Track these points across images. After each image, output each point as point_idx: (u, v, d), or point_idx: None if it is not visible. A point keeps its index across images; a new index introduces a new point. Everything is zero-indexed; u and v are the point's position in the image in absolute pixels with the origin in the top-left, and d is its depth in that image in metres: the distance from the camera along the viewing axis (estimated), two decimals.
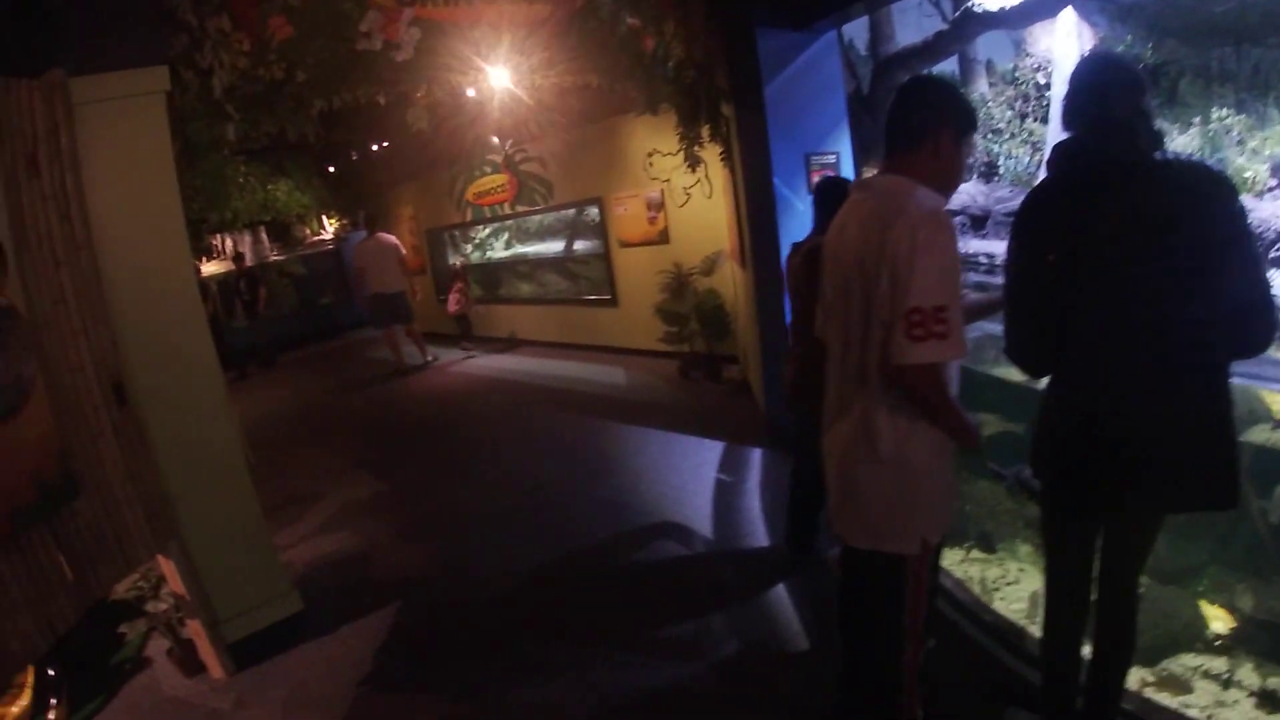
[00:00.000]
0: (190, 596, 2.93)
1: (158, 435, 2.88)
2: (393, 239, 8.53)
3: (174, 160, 2.98)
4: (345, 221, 13.06)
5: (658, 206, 6.56)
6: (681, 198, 6.25)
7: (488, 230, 10.07)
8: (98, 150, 2.70)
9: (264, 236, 13.78)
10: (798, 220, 3.95)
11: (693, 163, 4.94)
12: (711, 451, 4.38)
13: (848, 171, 4.14)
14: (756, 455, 4.24)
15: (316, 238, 14.05)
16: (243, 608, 3.13)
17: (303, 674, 2.94)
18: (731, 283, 5.86)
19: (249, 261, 13.71)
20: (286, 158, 10.74)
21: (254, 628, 3.15)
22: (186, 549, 2.94)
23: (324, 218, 12.78)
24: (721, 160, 4.72)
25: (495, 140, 8.11)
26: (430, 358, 8.82)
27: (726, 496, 3.80)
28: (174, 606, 2.97)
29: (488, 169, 8.57)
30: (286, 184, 10.85)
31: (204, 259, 13.24)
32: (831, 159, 4.10)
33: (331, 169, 11.06)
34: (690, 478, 4.06)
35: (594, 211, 7.67)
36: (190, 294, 3.03)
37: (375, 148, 9.62)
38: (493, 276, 9.89)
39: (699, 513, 3.64)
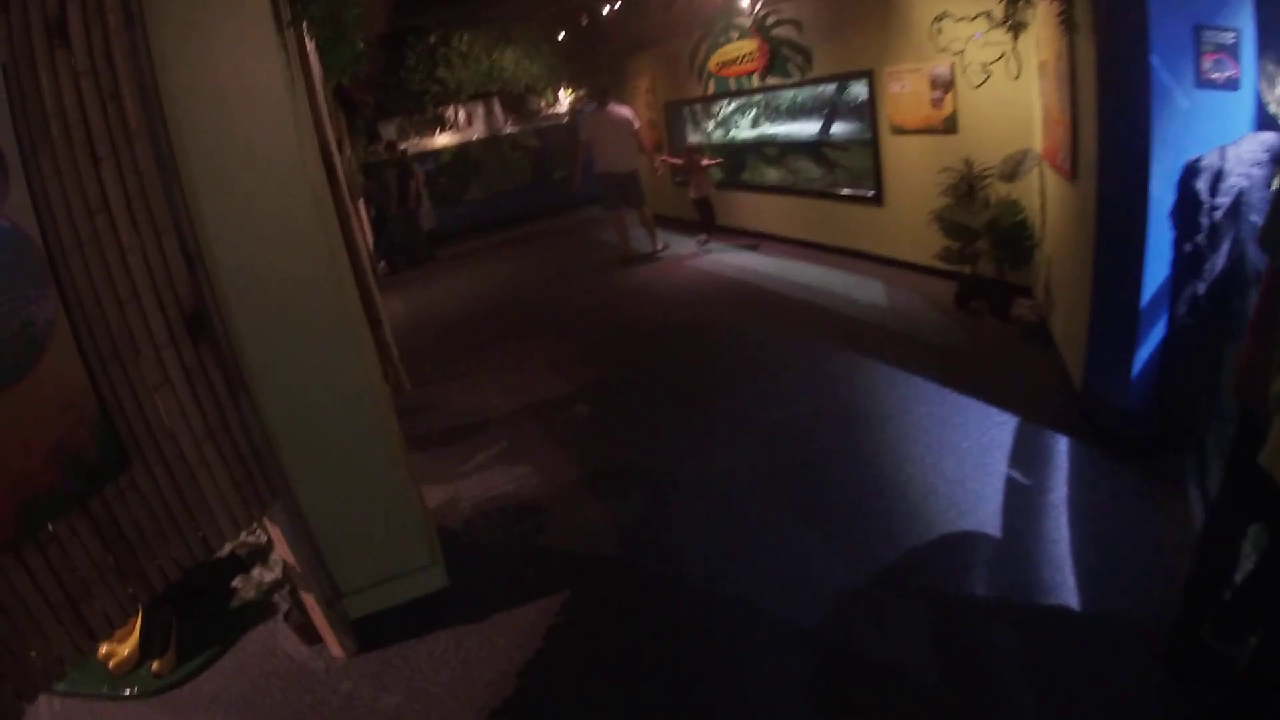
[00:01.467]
0: (301, 568, 2.64)
1: (259, 376, 2.51)
2: (626, 112, 8.17)
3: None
4: (582, 93, 12.91)
5: (945, 85, 5.45)
6: (977, 76, 5.12)
7: (732, 106, 9.36)
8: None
9: (497, 108, 14.09)
10: (1179, 122, 2.93)
11: (1014, 26, 3.91)
12: (1000, 429, 3.57)
13: (1248, 60, 2.98)
14: (1063, 448, 3.32)
15: (551, 110, 14.12)
16: (373, 579, 2.91)
17: (430, 672, 2.65)
18: (1038, 194, 4.78)
19: (482, 134, 14.21)
20: (513, 25, 10.63)
21: (386, 604, 2.93)
22: (299, 512, 2.67)
23: (559, 89, 12.67)
24: (1059, 22, 3.64)
25: (743, 1, 7.29)
26: (660, 246, 8.60)
27: (1022, 511, 2.93)
28: (283, 577, 2.76)
29: (734, 34, 7.77)
30: (513, 53, 10.80)
31: (437, 130, 13.91)
32: (1230, 39, 2.96)
33: (561, 36, 10.80)
34: (971, 468, 3.27)
35: (861, 88, 6.68)
36: (309, 185, 2.51)
37: (606, 10, 9.13)
38: (736, 160, 9.25)
39: (980, 532, 2.85)
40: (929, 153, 5.71)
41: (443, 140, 14.35)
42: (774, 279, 6.77)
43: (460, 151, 14.48)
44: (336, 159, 8.56)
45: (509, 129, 14.29)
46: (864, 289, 6.07)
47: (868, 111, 6.43)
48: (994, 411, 3.75)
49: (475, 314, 7.71)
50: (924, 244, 5.82)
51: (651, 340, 5.81)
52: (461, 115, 14.20)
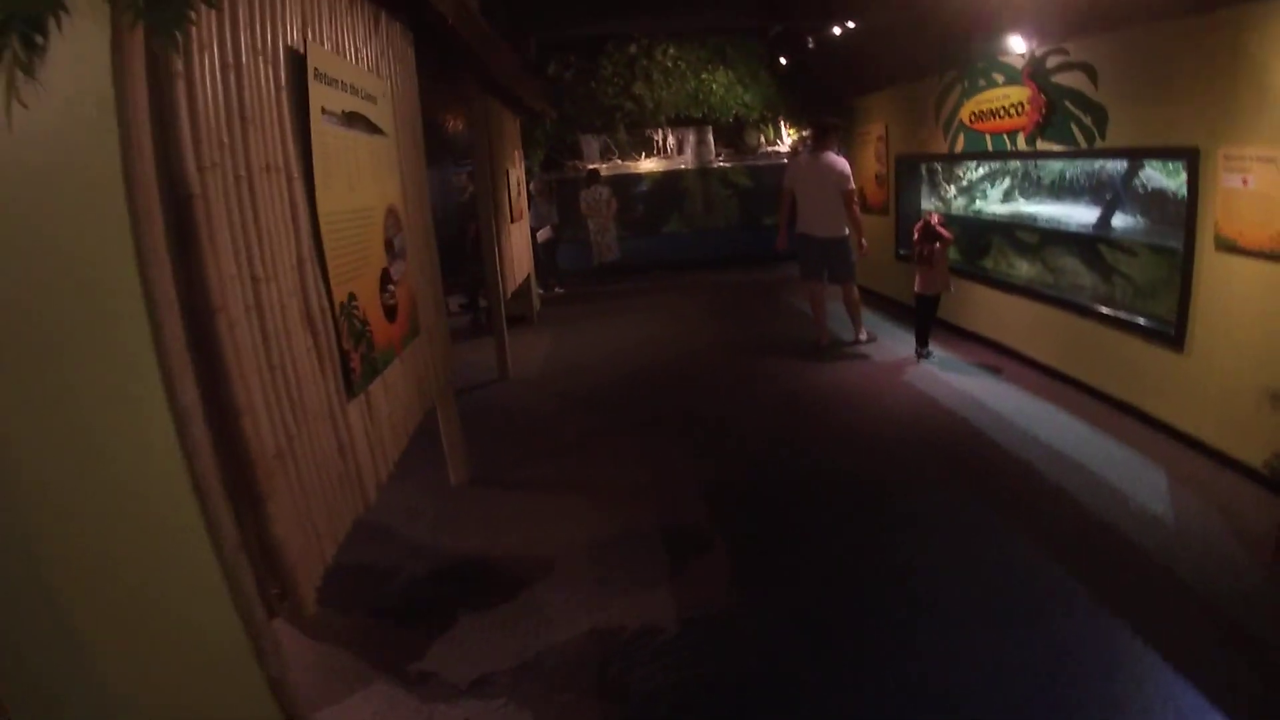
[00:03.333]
0: None
1: None
2: (840, 165, 6.87)
3: None
4: (806, 133, 11.70)
5: None
6: None
7: (981, 170, 7.67)
8: None
9: (709, 138, 13.21)
10: None
11: None
12: None
13: None
14: None
15: (770, 147, 13.04)
16: None
17: None
18: None
19: (690, 164, 13.40)
20: (730, 43, 9.58)
21: None
22: None
23: (780, 124, 11.50)
24: None
25: (1015, 40, 5.70)
26: (864, 337, 7.26)
27: None
28: None
29: (998, 77, 6.17)
30: (725, 75, 9.74)
31: (640, 155, 13.28)
32: None
33: (784, 60, 9.61)
34: None
35: (1174, 173, 4.88)
36: None
37: (838, 31, 7.82)
38: (978, 240, 7.54)
39: None
40: (1277, 288, 3.86)
41: (648, 165, 13.74)
42: (1010, 430, 4.98)
43: (665, 180, 13.80)
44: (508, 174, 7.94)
45: (720, 162, 13.39)
46: (1139, 481, 4.19)
47: (1181, 207, 4.62)
48: None
49: (601, 379, 6.81)
50: (1245, 430, 3.97)
51: (823, 503, 4.24)
52: (670, 140, 13.51)
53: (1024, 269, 6.80)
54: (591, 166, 12.51)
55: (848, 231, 7.02)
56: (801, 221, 7.10)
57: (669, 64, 9.65)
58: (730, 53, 9.76)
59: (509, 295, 7.70)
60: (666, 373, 6.87)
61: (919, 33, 6.72)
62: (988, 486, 4.20)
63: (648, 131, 13.01)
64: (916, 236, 6.31)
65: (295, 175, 2.51)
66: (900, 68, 7.65)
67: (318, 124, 2.69)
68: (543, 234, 11.76)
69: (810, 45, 8.80)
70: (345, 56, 3.10)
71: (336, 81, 2.91)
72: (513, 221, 8.19)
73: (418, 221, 4.03)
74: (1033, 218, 6.82)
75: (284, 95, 2.47)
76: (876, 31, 7.39)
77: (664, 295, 10.85)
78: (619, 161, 13.81)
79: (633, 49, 9.62)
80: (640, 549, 3.81)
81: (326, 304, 2.69)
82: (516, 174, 8.78)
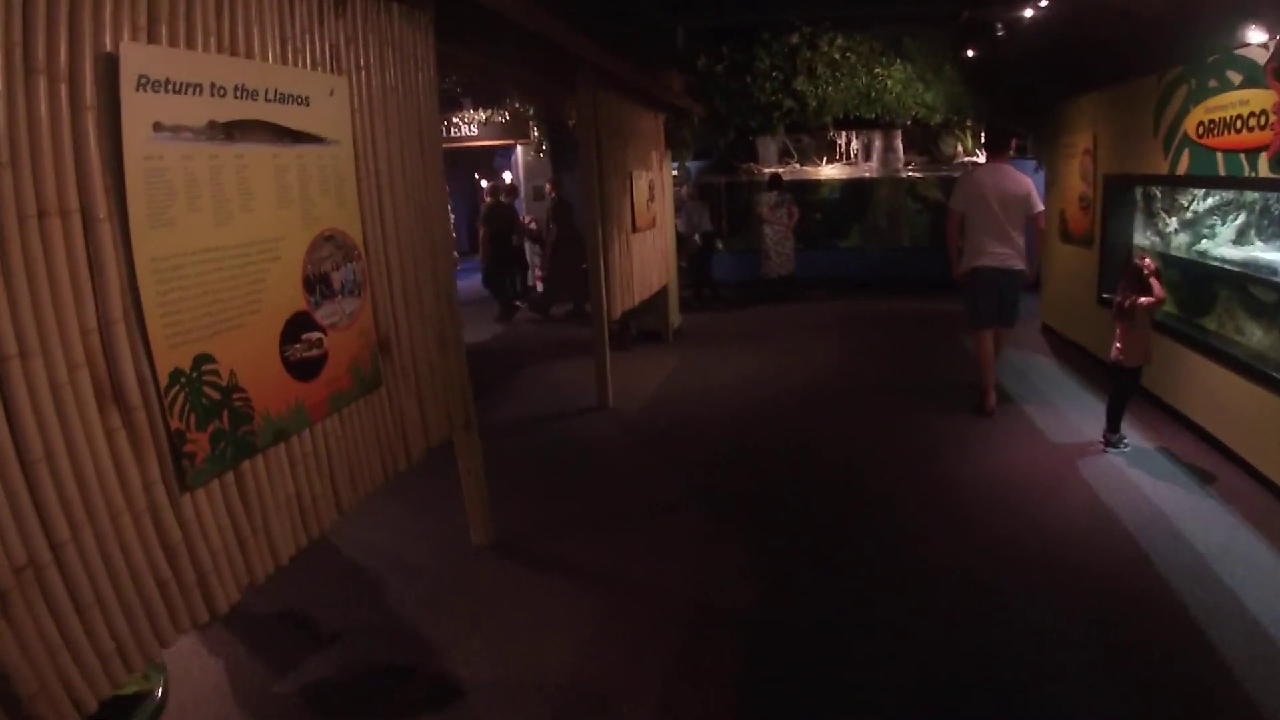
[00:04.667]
0: None
1: None
2: (1024, 177, 5.73)
3: None
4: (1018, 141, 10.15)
5: None
6: None
7: (1210, 199, 6.01)
8: None
9: (898, 144, 11.86)
10: None
11: None
12: None
13: None
14: None
15: (970, 157, 11.54)
16: None
17: None
18: None
19: (875, 172, 12.19)
20: (908, 31, 8.29)
21: None
22: None
23: (966, 128, 10.05)
24: None
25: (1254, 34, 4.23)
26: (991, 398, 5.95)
27: None
28: None
29: (1233, 77, 4.66)
30: (902, 70, 8.46)
31: (821, 159, 12.23)
32: None
33: (970, 53, 8.18)
34: None
35: None
36: None
37: (1030, 13, 6.40)
38: (1196, 291, 5.91)
39: None
40: None
41: (828, 171, 12.67)
42: (1213, 589, 3.41)
43: (846, 189, 12.66)
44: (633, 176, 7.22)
45: (910, 171, 12.04)
46: None
47: None
48: None
49: (715, 422, 6.02)
50: None
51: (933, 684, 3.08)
52: (855, 145, 12.34)
53: (1258, 337, 5.16)
54: (772, 171, 11.66)
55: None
56: (973, 251, 5.80)
57: (836, 56, 8.47)
58: (908, 44, 8.43)
59: (620, 310, 6.97)
60: (795, 426, 5.88)
61: (1133, 18, 5.27)
62: (1160, 697, 2.81)
63: (830, 134, 11.92)
64: (1120, 290, 4.91)
65: (102, 216, 1.94)
66: (1112, 63, 6.15)
67: (142, 146, 2.05)
68: (694, 242, 11.01)
69: (1000, 33, 7.36)
70: (237, 50, 2.43)
71: (200, 86, 2.25)
72: (637, 229, 7.44)
73: (415, 245, 3.36)
74: (1274, 269, 5.15)
75: (88, 116, 1.90)
76: (1081, 16, 5.96)
77: (827, 320, 9.81)
78: (797, 166, 12.80)
79: (794, 39, 8.52)
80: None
81: (149, 373, 2.06)
82: (650, 177, 8.02)
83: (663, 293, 8.70)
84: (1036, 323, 8.67)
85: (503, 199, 11.12)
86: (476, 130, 13.30)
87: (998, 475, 4.73)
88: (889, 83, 8.47)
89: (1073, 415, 5.69)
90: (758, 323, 9.93)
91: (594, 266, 6.34)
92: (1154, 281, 4.71)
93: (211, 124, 2.32)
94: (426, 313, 3.45)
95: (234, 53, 2.43)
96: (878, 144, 11.93)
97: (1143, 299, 4.72)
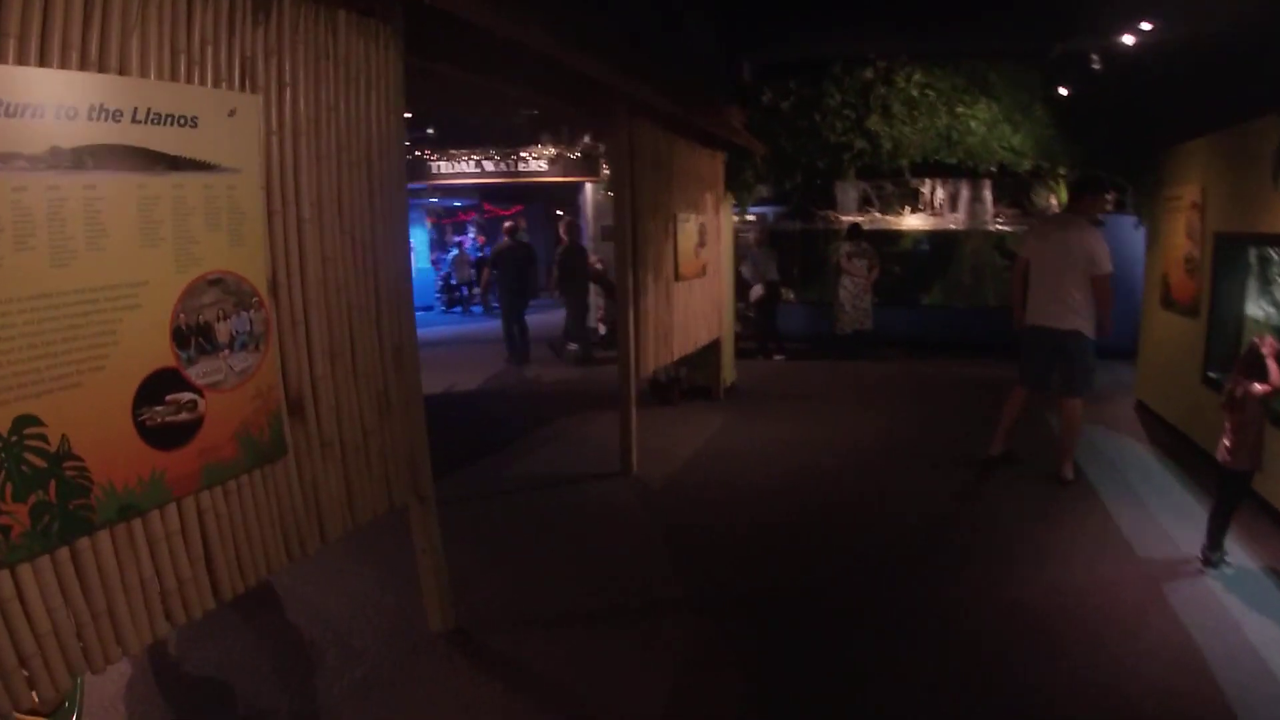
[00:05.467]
0: None
1: None
2: (1094, 237, 5.21)
3: None
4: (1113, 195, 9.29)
5: None
6: None
7: None
8: None
9: (987, 193, 11.05)
10: None
11: None
12: None
13: None
14: None
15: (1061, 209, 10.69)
16: None
17: None
18: None
19: (961, 224, 11.45)
20: (994, 66, 7.58)
21: None
22: None
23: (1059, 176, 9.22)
24: None
25: None
26: (1068, 475, 5.44)
27: None
28: None
29: None
30: (987, 109, 7.74)
31: (904, 209, 11.58)
32: None
33: (1063, 91, 7.41)
34: None
35: None
36: None
37: (1130, 40, 5.66)
38: None
39: None
40: None
41: (911, 221, 11.98)
42: None
43: (932, 241, 11.92)
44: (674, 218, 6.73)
45: (999, 224, 11.22)
46: None
47: None
48: None
49: (747, 500, 5.37)
50: None
51: None
52: (940, 194, 11.62)
53: None
54: (851, 219, 11.07)
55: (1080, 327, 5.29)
56: (1032, 306, 5.45)
57: (913, 93, 7.79)
58: (993, 80, 7.70)
59: (653, 367, 6.44)
60: (841, 508, 5.20)
61: (1250, 51, 4.52)
62: None
63: (913, 182, 11.23)
64: (1233, 375, 4.12)
65: None
66: (1225, 101, 5.37)
67: None
68: (756, 291, 10.44)
69: (1096, 67, 6.58)
70: (107, 65, 2.08)
71: (41, 108, 1.92)
72: (681, 278, 6.92)
73: (349, 292, 2.93)
74: None
75: None
76: (1189, 47, 5.21)
77: (899, 383, 9.09)
78: (878, 215, 12.14)
79: (868, 73, 7.90)
80: None
81: None
82: (701, 220, 7.52)
83: (715, 347, 8.13)
84: (1130, 399, 7.73)
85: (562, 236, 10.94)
86: (546, 166, 13.12)
87: (1076, 591, 3.94)
88: (972, 124, 7.75)
89: (1166, 519, 4.82)
90: (821, 382, 9.23)
91: (622, 317, 5.85)
92: (1272, 365, 3.91)
93: (54, 150, 1.96)
94: (362, 370, 2.99)
95: (103, 68, 2.06)
96: (965, 193, 11.17)
97: (1258, 386, 3.91)
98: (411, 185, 14.27)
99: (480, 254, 17.62)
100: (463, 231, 20.84)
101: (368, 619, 3.71)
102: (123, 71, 2.13)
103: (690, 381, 8.26)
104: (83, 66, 2.02)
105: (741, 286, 10.40)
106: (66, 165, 2.00)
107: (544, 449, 6.66)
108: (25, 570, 1.90)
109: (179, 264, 2.30)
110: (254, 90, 2.50)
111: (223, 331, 2.42)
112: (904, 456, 6.21)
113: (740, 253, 10.44)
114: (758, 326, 10.73)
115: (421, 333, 10.97)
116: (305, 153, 2.69)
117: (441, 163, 13.13)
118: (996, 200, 11.16)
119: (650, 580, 4.18)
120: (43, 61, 1.93)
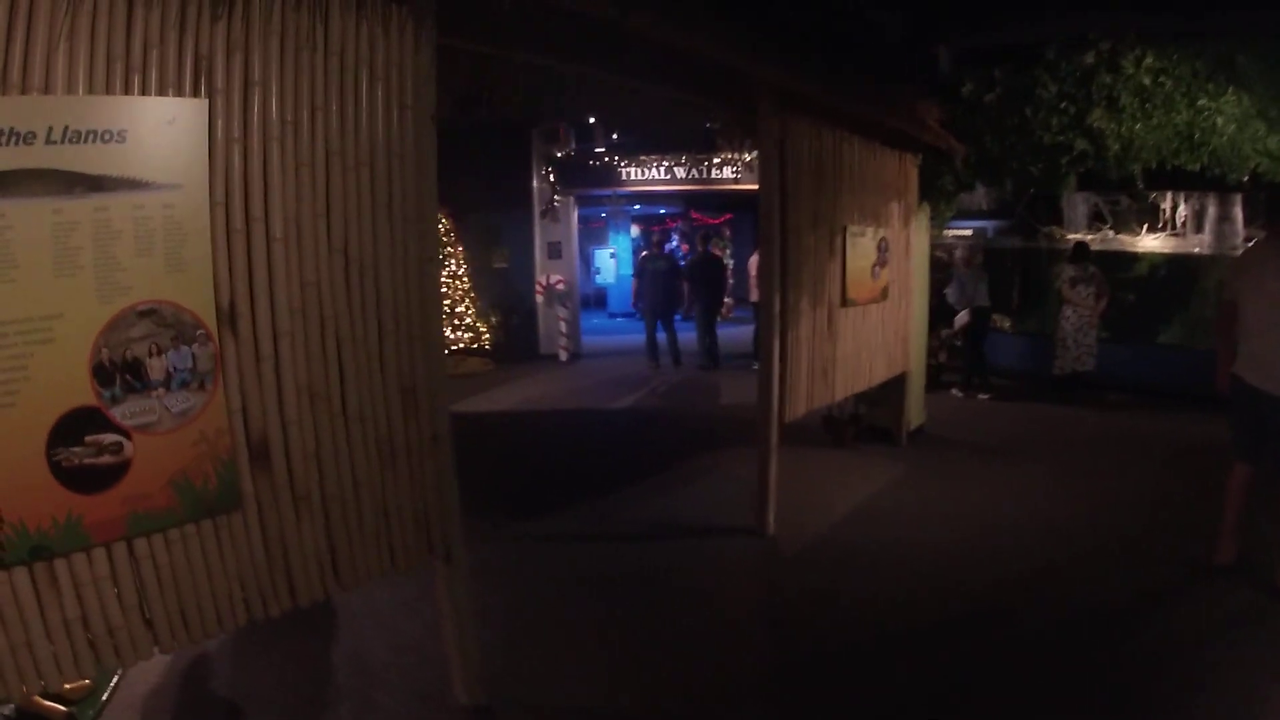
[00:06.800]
0: None
1: None
2: None
3: None
4: None
5: None
6: None
7: None
8: None
9: (1237, 211, 9.27)
10: None
11: None
12: None
13: None
14: None
15: None
16: None
17: None
18: None
19: (1208, 247, 9.76)
20: (1243, 46, 6.21)
21: None
22: None
23: None
24: None
25: None
26: None
27: None
28: None
29: None
30: (1237, 101, 6.37)
31: (1141, 227, 10.06)
32: None
33: None
34: None
35: None
36: None
37: None
38: None
39: None
40: None
41: (1149, 243, 10.39)
42: None
43: (1172, 267, 10.28)
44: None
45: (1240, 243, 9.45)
46: None
47: None
48: None
49: (876, 587, 4.40)
50: None
51: None
52: (1182, 209, 9.95)
53: None
54: (1077, 238, 9.73)
55: None
56: (1244, 357, 4.27)
57: (1144, 80, 6.52)
58: (1244, 64, 6.26)
59: (804, 409, 5.70)
60: (1027, 609, 4.12)
61: None
62: None
63: (1152, 197, 9.65)
64: None
65: None
66: None
67: None
68: (961, 318, 9.38)
69: None
70: (30, 85, 2.00)
71: None
72: (851, 302, 6.15)
73: (337, 324, 2.64)
74: None
75: None
76: None
77: (1124, 440, 7.60)
78: (1110, 234, 10.63)
79: (1089, 58, 6.67)
80: None
81: None
82: (882, 234, 6.71)
83: (899, 383, 7.21)
84: None
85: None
86: (737, 173, 12.65)
87: None
88: (1218, 120, 6.37)
89: None
90: (1027, 432, 7.85)
91: (765, 349, 5.21)
92: None
93: None
94: (354, 414, 2.68)
95: (25, 89, 1.95)
96: (1211, 210, 9.43)
97: None
98: (599, 192, 14.39)
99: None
100: (667, 240, 20.81)
101: (403, 671, 3.45)
102: (48, 90, 2.00)
103: (870, 421, 7.38)
104: (4, 91, 1.95)
105: (946, 312, 9.39)
106: None
107: (678, 488, 6.10)
108: None
109: (101, 294, 2.11)
110: (210, 93, 2.27)
111: (156, 368, 2.21)
112: (1105, 551, 4.85)
113: (944, 273, 9.43)
114: (964, 359, 9.63)
115: (603, 340, 10.77)
116: (278, 161, 2.41)
117: (631, 169, 12.98)
118: (1248, 220, 9.30)
119: (740, 678, 3.56)
120: None
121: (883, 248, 6.72)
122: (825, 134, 5.66)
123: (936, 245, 8.75)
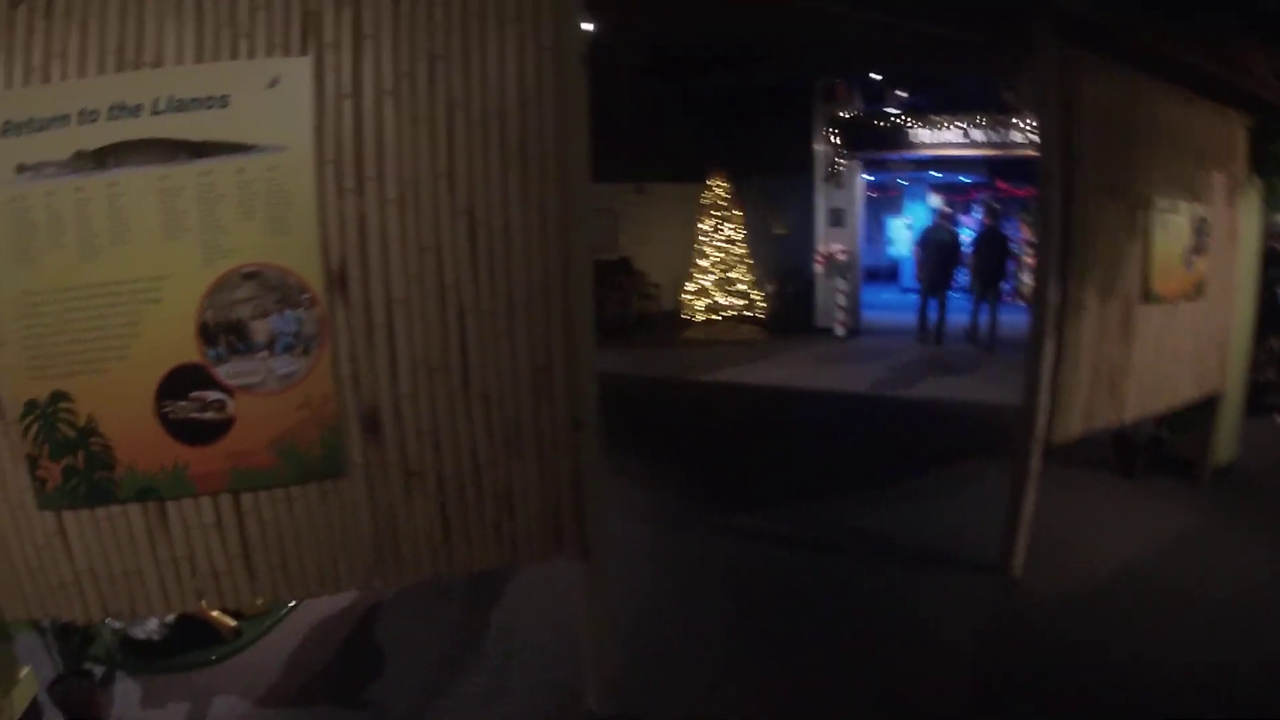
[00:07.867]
0: None
1: None
2: None
3: None
4: None
5: None
6: None
7: None
8: None
9: None
10: None
11: None
12: None
13: None
14: None
15: None
16: None
17: None
18: None
19: None
20: None
21: None
22: None
23: None
24: None
25: None
26: None
27: None
28: None
29: None
30: None
31: None
32: None
33: None
34: None
35: None
36: None
37: None
38: None
39: None
40: None
41: None
42: None
43: None
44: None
45: None
46: None
47: None
48: None
49: (1140, 668, 3.33)
50: None
51: None
52: None
53: None
54: None
55: None
56: None
57: None
58: None
59: (1083, 427, 4.52)
60: None
61: None
62: None
63: None
64: None
65: None
66: None
67: (6, 190, 2.15)
68: None
69: None
70: (142, 62, 2.19)
71: (66, 117, 2.15)
72: (1155, 297, 4.73)
73: (460, 294, 2.48)
74: None
75: None
76: None
77: None
78: None
79: None
80: None
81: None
82: (1200, 212, 5.24)
83: (1208, 406, 5.67)
84: None
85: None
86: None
87: None
88: None
89: None
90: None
91: (1035, 348, 4.27)
92: None
93: (79, 154, 2.14)
94: (476, 391, 2.51)
95: (139, 65, 2.15)
96: None
97: None
98: (888, 155, 13.36)
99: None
100: (967, 211, 19.08)
101: (548, 657, 3.28)
102: (159, 63, 2.13)
103: (1170, 449, 6.01)
104: (119, 69, 2.15)
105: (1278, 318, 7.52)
106: (90, 167, 2.14)
107: (919, 500, 5.16)
108: (68, 516, 2.29)
109: (205, 256, 2.18)
110: (319, 49, 2.23)
111: (260, 330, 2.24)
112: None
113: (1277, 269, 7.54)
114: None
115: (888, 317, 9.66)
116: (393, 117, 2.31)
117: (923, 130, 11.89)
118: None
119: None
120: (81, 75, 2.15)
121: (1200, 230, 5.21)
122: (1125, 78, 4.55)
123: (1270, 233, 6.94)
